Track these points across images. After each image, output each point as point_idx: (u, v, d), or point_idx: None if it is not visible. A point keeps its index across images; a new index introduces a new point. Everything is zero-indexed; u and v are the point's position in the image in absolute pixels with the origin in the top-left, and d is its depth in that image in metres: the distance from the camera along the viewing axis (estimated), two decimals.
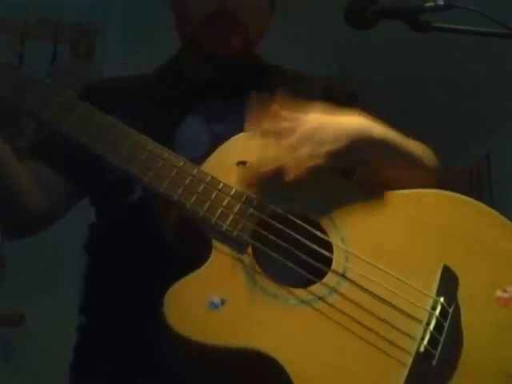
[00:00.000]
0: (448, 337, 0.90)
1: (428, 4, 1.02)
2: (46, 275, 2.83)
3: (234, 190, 0.96)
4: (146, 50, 2.99)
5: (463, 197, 1.03)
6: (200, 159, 1.00)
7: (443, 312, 0.92)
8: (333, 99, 1.20)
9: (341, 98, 1.20)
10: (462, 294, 0.94)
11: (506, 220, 1.01)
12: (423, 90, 3.48)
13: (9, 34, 3.05)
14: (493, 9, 1.05)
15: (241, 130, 1.06)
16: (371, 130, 1.00)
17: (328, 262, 0.94)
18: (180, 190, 0.95)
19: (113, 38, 3.21)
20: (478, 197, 1.05)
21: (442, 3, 1.02)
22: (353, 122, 1.01)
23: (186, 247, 0.97)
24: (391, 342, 0.90)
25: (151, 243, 1.01)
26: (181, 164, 0.97)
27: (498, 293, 0.95)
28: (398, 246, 0.98)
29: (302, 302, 0.90)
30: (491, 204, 1.03)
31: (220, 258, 0.91)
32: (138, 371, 0.98)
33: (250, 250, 0.93)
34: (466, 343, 0.91)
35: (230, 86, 1.20)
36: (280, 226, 0.94)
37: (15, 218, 1.15)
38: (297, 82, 1.25)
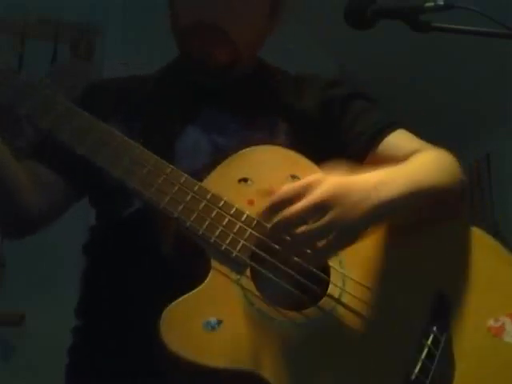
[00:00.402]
0: (440, 365, 0.90)
1: (428, 4, 1.02)
2: (46, 275, 2.83)
3: (234, 209, 0.96)
4: (145, 50, 2.99)
5: (463, 223, 1.04)
6: (201, 170, 1.00)
7: (435, 340, 0.92)
8: (332, 98, 1.20)
9: (341, 97, 1.20)
10: (455, 321, 0.95)
11: (501, 248, 1.02)
12: (423, 89, 3.48)
13: (9, 33, 3.04)
14: (493, 9, 1.05)
15: (241, 141, 1.05)
16: (391, 192, 0.93)
17: (326, 283, 0.94)
18: (181, 207, 0.94)
19: (113, 38, 3.21)
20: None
21: (441, 3, 1.01)
22: (368, 194, 0.91)
23: (183, 259, 0.96)
24: (383, 370, 0.90)
25: (149, 251, 1.00)
26: (182, 180, 0.97)
27: (491, 321, 0.95)
28: (395, 270, 0.98)
29: (297, 325, 0.90)
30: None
31: (218, 278, 0.91)
32: (134, 373, 0.98)
33: (248, 270, 0.93)
34: (457, 371, 0.91)
35: (229, 94, 1.18)
36: (279, 247, 0.93)
37: (15, 219, 1.15)
38: (297, 83, 1.25)
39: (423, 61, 3.28)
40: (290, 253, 0.90)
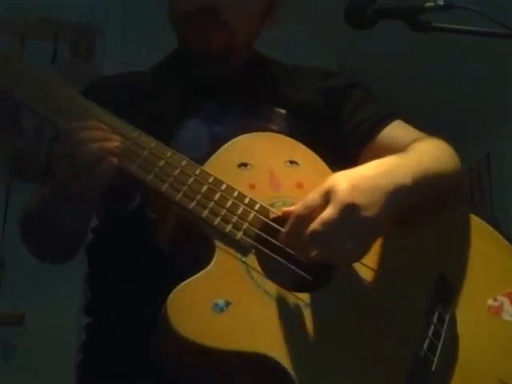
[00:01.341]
0: (445, 344, 0.92)
1: (428, 4, 1.02)
2: (46, 275, 2.82)
3: (236, 192, 0.95)
4: (145, 50, 2.98)
5: (462, 209, 1.06)
6: (200, 160, 0.99)
7: (440, 319, 0.93)
8: (331, 89, 1.20)
9: (339, 88, 1.21)
10: (456, 302, 0.97)
11: (496, 233, 1.05)
12: (423, 89, 3.48)
13: (9, 34, 3.04)
14: (493, 9, 1.05)
15: (239, 130, 1.05)
16: (400, 182, 0.93)
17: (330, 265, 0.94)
18: (183, 190, 0.94)
19: (113, 38, 3.21)
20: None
21: (441, 3, 1.02)
22: (379, 184, 0.91)
23: (181, 252, 0.96)
24: (392, 348, 0.91)
25: (149, 248, 0.99)
26: (183, 163, 0.97)
27: (490, 301, 0.98)
28: (398, 254, 0.99)
29: (306, 305, 0.90)
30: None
31: (224, 260, 0.90)
32: (141, 372, 0.98)
33: (253, 252, 0.92)
34: (461, 350, 0.93)
35: (228, 86, 1.18)
36: (282, 229, 0.93)
37: (63, 251, 1.15)
38: (295, 73, 1.25)
39: (423, 61, 3.28)
40: (325, 258, 0.89)
